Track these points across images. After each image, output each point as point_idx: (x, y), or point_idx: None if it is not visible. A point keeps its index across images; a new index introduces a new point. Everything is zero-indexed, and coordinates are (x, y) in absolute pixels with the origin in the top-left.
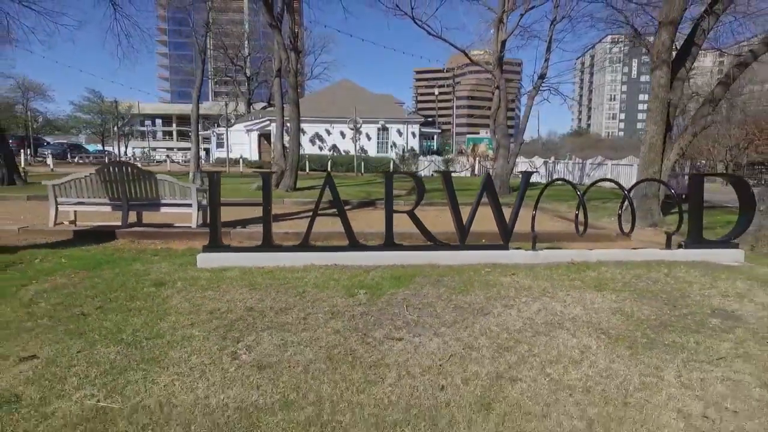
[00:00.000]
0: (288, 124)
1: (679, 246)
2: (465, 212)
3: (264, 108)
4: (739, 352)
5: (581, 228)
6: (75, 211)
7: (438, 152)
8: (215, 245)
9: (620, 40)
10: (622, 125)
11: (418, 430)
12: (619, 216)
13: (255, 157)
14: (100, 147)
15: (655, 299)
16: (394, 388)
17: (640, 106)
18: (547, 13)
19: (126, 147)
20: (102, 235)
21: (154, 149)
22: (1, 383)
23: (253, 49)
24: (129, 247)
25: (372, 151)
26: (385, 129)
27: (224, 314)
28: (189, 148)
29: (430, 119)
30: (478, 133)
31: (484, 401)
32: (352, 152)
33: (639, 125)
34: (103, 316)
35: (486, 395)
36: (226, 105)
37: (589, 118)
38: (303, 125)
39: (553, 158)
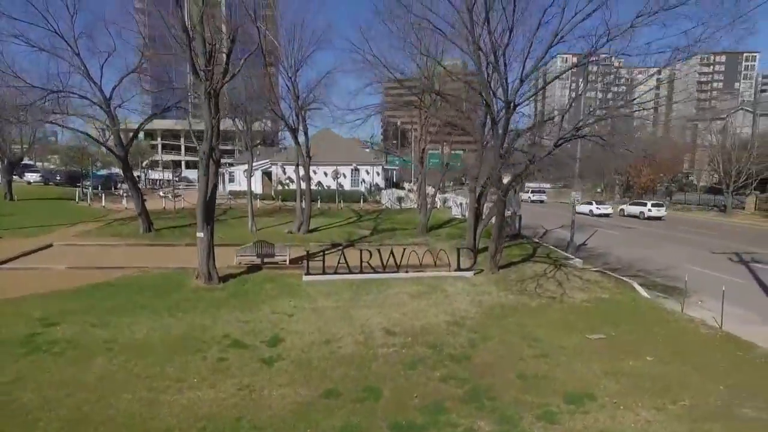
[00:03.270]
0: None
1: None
2: (396, 250)
3: (256, 145)
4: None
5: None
6: (241, 258)
7: (397, 185)
8: (307, 273)
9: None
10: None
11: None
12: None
13: (259, 190)
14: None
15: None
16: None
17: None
18: None
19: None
20: (256, 267)
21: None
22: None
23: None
24: (268, 273)
25: (347, 185)
26: (356, 169)
27: (315, 287)
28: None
29: (393, 143)
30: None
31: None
32: (333, 187)
33: None
34: (280, 287)
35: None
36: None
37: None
38: (292, 167)
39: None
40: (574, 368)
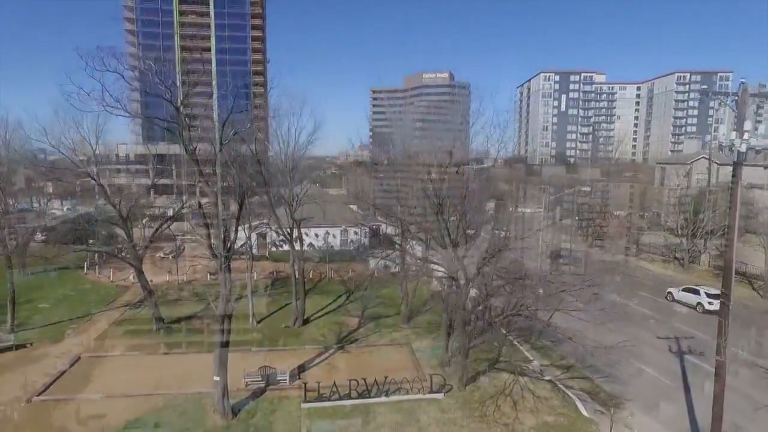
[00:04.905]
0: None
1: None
2: (379, 354)
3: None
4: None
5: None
6: (248, 380)
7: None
8: (305, 401)
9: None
10: (553, 152)
11: None
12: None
13: (255, 251)
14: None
15: None
16: None
17: (569, 136)
18: None
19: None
20: (261, 390)
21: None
22: None
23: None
24: (272, 397)
25: (336, 245)
26: (345, 231)
27: (312, 420)
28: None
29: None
30: None
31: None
32: (324, 247)
33: (568, 151)
34: (283, 418)
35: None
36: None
37: (526, 144)
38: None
39: None
40: None
